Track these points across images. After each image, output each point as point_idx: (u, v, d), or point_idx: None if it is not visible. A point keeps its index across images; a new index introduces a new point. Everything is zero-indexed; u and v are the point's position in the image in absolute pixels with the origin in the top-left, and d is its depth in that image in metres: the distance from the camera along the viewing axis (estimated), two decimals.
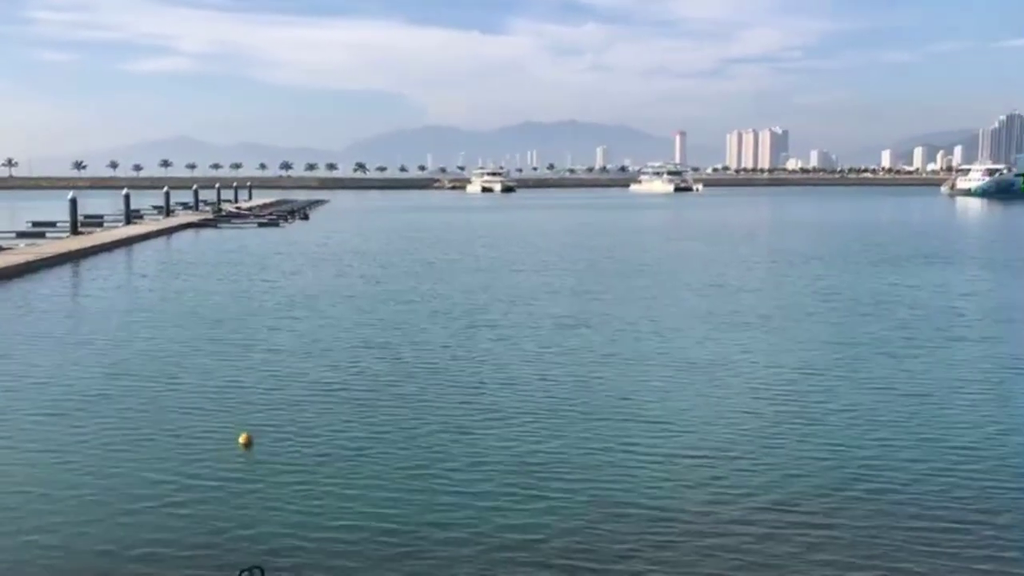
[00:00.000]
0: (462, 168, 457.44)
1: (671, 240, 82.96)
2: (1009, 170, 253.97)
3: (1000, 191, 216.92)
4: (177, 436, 20.18)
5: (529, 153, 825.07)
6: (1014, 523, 15.50)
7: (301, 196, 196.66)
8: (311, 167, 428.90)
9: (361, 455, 18.94)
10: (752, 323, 35.26)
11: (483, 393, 24.05)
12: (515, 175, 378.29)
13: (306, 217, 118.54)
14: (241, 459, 18.78)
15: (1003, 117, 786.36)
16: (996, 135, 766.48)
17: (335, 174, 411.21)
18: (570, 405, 22.84)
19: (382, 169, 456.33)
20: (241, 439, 19.56)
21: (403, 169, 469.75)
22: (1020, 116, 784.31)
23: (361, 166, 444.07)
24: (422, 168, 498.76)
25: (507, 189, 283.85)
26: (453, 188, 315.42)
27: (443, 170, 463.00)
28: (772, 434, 20.44)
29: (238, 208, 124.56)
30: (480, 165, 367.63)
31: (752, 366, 27.53)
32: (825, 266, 57.08)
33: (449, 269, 54.88)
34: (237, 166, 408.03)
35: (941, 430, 20.76)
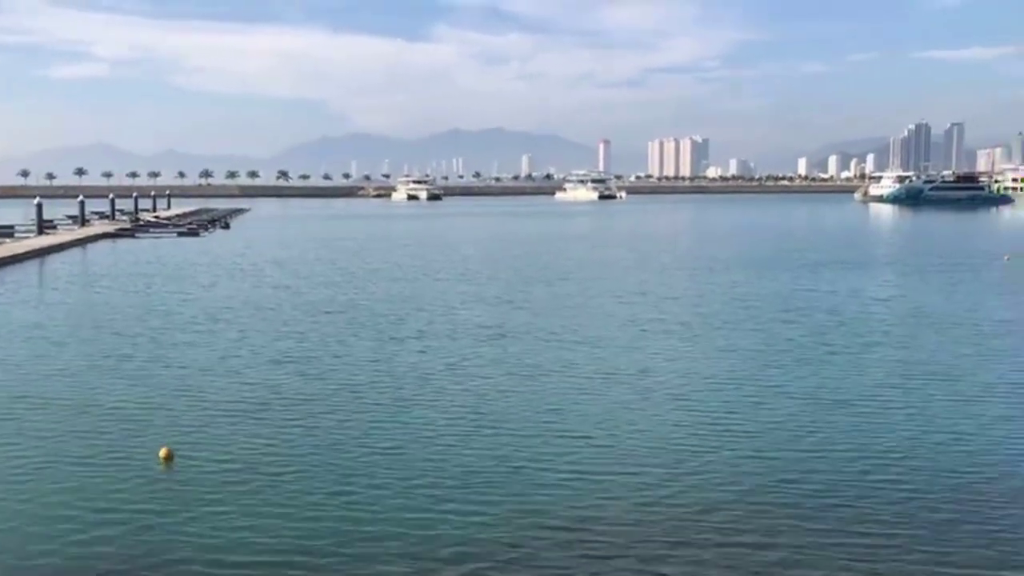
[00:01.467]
0: (387, 176, 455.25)
1: (595, 247, 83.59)
2: (918, 177, 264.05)
3: (910, 197, 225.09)
4: (92, 456, 19.35)
5: (455, 161, 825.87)
6: (929, 526, 15.79)
7: (222, 205, 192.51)
8: (232, 175, 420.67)
9: (282, 471, 18.38)
10: (674, 331, 35.56)
11: (404, 407, 23.61)
12: (441, 183, 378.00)
13: (227, 226, 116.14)
14: (162, 477, 18.22)
15: (912, 126, 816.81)
16: (906, 143, 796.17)
17: (257, 182, 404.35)
18: (492, 418, 22.57)
19: (305, 177, 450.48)
20: (162, 453, 19.05)
21: (327, 177, 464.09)
22: (927, 126, 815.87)
23: (284, 174, 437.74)
24: (346, 176, 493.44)
25: (433, 197, 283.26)
26: (378, 196, 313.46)
27: (368, 178, 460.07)
28: (692, 444, 20.49)
29: (156, 217, 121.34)
30: (406, 173, 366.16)
31: (673, 375, 27.68)
32: (745, 272, 58.13)
33: (371, 279, 54.19)
34: (155, 174, 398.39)
35: (858, 438, 21.08)
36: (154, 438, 20.56)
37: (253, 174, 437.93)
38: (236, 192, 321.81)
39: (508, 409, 23.42)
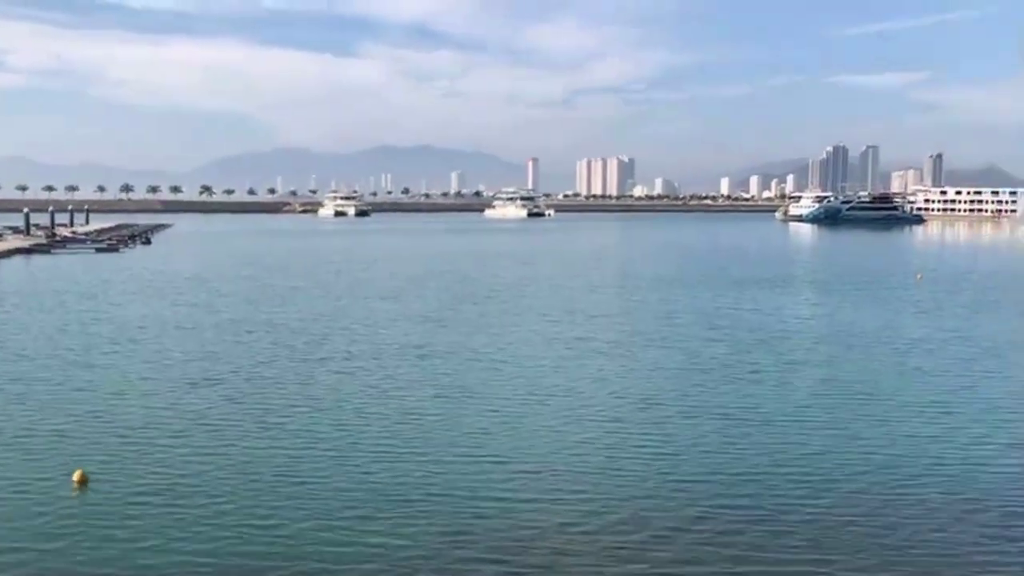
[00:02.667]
0: (314, 192, 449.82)
1: (524, 265, 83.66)
2: (836, 198, 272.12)
3: (828, 217, 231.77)
4: (3, 480, 18.70)
5: (384, 177, 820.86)
6: (845, 536, 15.97)
7: (143, 220, 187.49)
8: (154, 190, 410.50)
9: (196, 494, 17.85)
10: (601, 350, 35.61)
11: (323, 429, 23.00)
12: (369, 199, 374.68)
13: (148, 242, 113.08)
14: (75, 500, 17.84)
15: (830, 148, 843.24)
16: (824, 165, 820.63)
17: (180, 197, 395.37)
18: (414, 441, 22.13)
19: (230, 192, 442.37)
20: (75, 477, 18.65)
21: (252, 192, 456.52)
22: (845, 148, 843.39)
23: (207, 189, 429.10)
24: (272, 191, 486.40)
25: (361, 213, 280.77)
26: (305, 212, 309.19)
27: (294, 193, 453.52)
28: (618, 464, 20.38)
29: (74, 232, 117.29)
30: (333, 189, 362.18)
31: (599, 395, 27.63)
32: (671, 290, 58.80)
33: (293, 297, 53.15)
34: (73, 188, 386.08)
35: (779, 455, 21.31)
36: (67, 462, 19.82)
37: (176, 189, 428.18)
38: (158, 207, 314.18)
39: (431, 432, 23.02)
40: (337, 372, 30.46)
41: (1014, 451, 22.04)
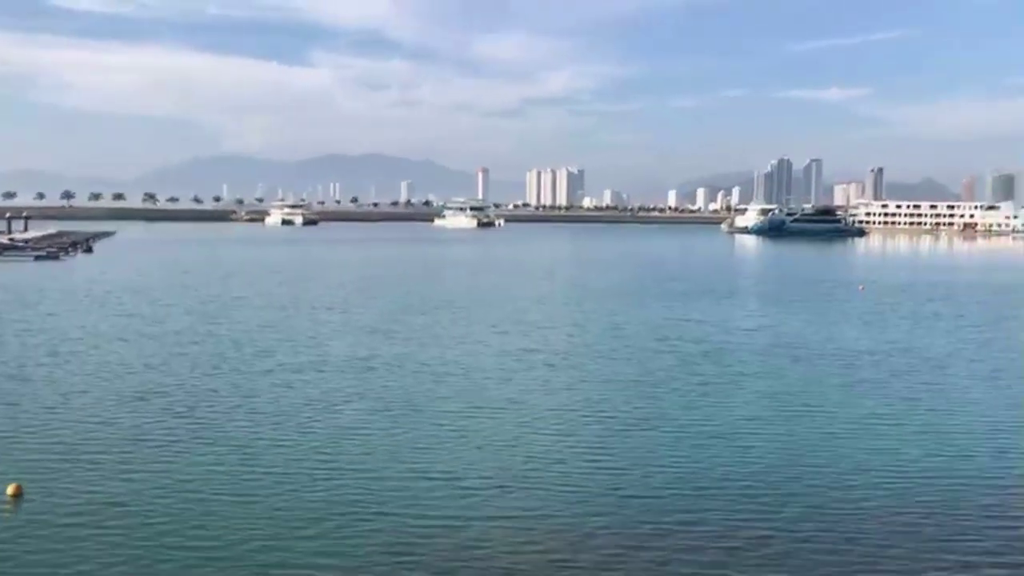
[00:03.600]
0: (261, 200, 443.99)
1: (473, 275, 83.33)
2: (780, 210, 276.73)
3: (773, 229, 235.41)
4: None
5: (332, 186, 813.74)
6: (792, 556, 15.96)
7: (85, 228, 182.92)
8: (96, 197, 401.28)
9: (131, 507, 17.24)
10: (549, 362, 35.42)
11: (263, 443, 22.36)
12: (317, 208, 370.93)
13: (89, 250, 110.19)
14: (10, 513, 17.37)
15: (775, 161, 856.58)
16: (769, 178, 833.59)
17: (123, 204, 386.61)
18: (358, 456, 21.62)
19: (174, 200, 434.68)
20: (9, 491, 18.19)
21: (197, 200, 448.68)
22: (789, 161, 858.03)
23: (151, 196, 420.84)
24: (218, 199, 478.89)
25: (309, 222, 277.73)
26: (251, 220, 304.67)
27: (240, 202, 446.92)
28: (564, 480, 20.19)
29: (11, 240, 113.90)
30: (280, 197, 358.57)
31: (547, 408, 27.40)
32: (620, 301, 58.94)
33: (237, 307, 52.10)
34: (11, 195, 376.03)
35: (725, 467, 21.30)
36: (1, 475, 19.05)
37: (118, 196, 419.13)
38: (100, 215, 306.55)
39: (374, 447, 22.56)
40: (279, 385, 29.79)
41: (956, 463, 22.29)
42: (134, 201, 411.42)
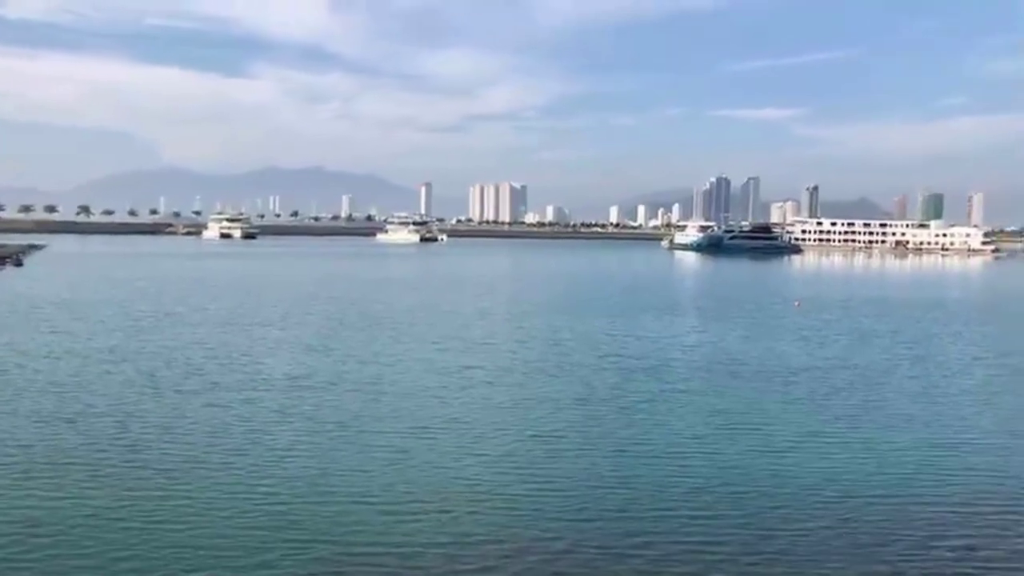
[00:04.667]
0: (199, 213, 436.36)
1: (415, 290, 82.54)
2: (719, 227, 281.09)
3: (711, 246, 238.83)
4: None
5: (272, 199, 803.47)
6: (723, 568, 15.85)
7: (15, 240, 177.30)
8: (27, 209, 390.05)
9: (48, 535, 16.20)
10: (489, 379, 34.98)
11: (187, 467, 21.51)
12: (257, 221, 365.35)
13: (19, 263, 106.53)
14: None
15: (714, 179, 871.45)
16: (708, 195, 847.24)
17: (55, 217, 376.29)
18: (287, 481, 20.95)
19: (109, 213, 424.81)
20: None
21: (133, 213, 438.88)
22: (727, 179, 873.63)
23: (85, 209, 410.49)
24: (154, 212, 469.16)
25: (248, 236, 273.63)
26: (189, 234, 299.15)
27: (177, 215, 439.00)
28: (506, 502, 19.78)
29: None
30: (219, 210, 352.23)
31: (487, 427, 26.95)
32: (562, 317, 58.78)
33: (170, 323, 50.63)
34: None
35: (667, 488, 21.11)
36: None
37: (51, 208, 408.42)
38: (31, 227, 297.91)
39: (305, 469, 21.84)
40: (211, 405, 28.83)
41: (894, 479, 22.42)
42: (68, 214, 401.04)
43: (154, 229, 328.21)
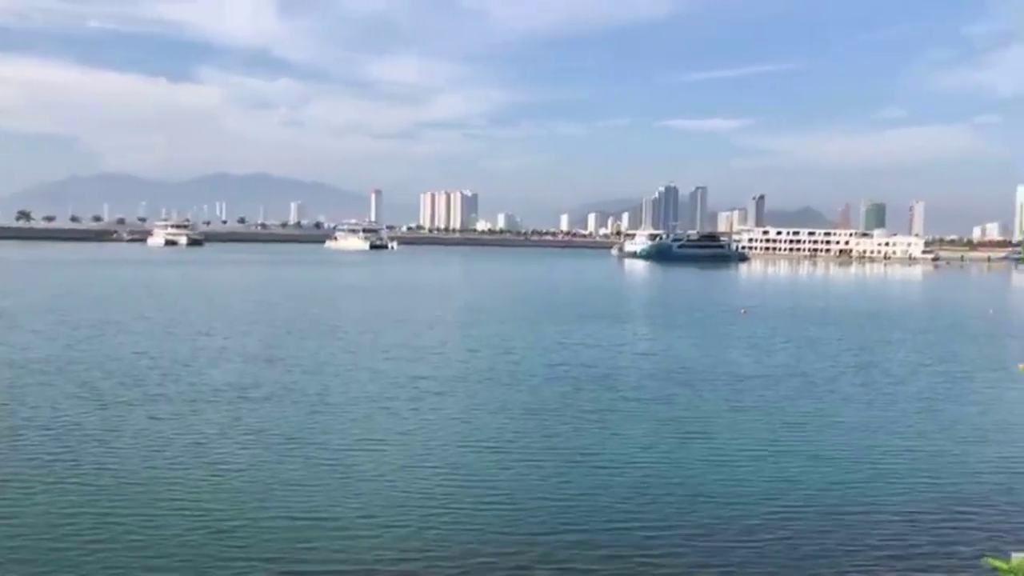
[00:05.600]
0: (144, 219, 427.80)
1: (366, 298, 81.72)
2: (667, 236, 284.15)
3: (660, 254, 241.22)
4: None
5: (219, 205, 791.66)
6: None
7: None
8: None
9: None
10: (439, 390, 34.54)
11: (123, 483, 20.76)
12: (203, 228, 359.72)
13: None
14: None
15: (662, 188, 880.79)
16: (656, 204, 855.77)
17: None
18: (229, 497, 20.30)
19: (50, 219, 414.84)
20: None
21: (75, 219, 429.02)
22: (675, 188, 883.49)
23: (25, 215, 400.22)
24: (98, 219, 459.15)
25: (194, 243, 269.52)
26: (133, 241, 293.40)
27: (122, 221, 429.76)
28: (456, 517, 19.42)
29: None
30: (164, 217, 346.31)
31: (437, 439, 26.53)
32: (513, 325, 58.54)
33: (111, 332, 49.23)
34: None
35: (613, 497, 20.95)
36: None
37: None
38: None
39: (253, 483, 21.23)
40: (151, 417, 27.97)
41: (840, 487, 22.56)
42: (7, 220, 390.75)
43: (98, 236, 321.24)
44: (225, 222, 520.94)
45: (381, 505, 19.93)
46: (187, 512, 19.03)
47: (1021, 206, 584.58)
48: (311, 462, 23.35)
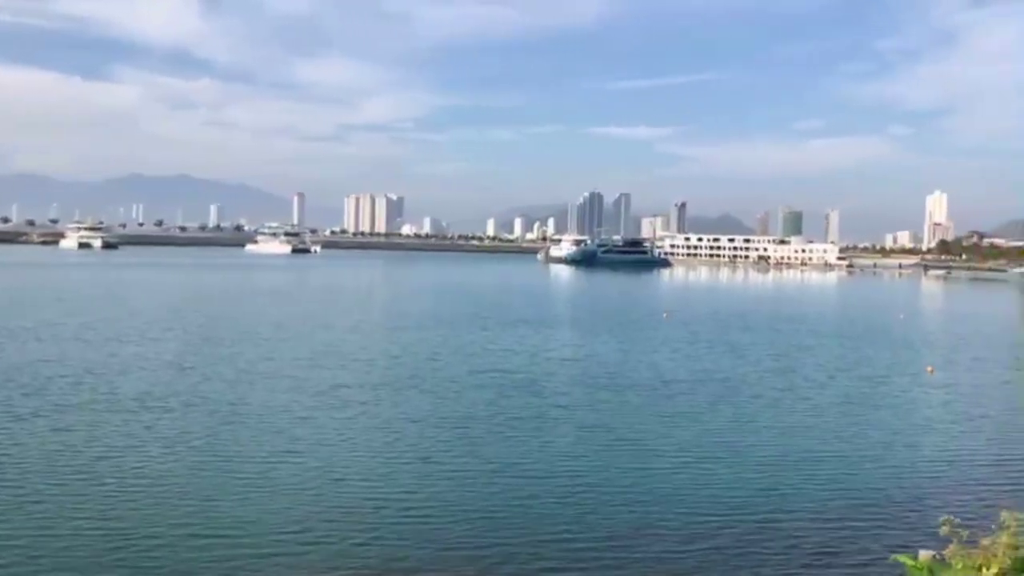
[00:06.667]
0: (56, 221, 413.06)
1: (287, 304, 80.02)
2: (592, 241, 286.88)
3: (585, 259, 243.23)
4: None
5: (136, 207, 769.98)
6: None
7: None
8: None
9: None
10: (360, 398, 33.78)
11: (22, 494, 19.62)
12: (119, 231, 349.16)
13: None
14: None
15: (587, 194, 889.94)
16: (582, 210, 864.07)
17: None
18: (131, 510, 19.30)
19: None
20: None
21: None
22: (600, 195, 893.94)
23: None
24: (6, 220, 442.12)
25: (108, 246, 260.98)
26: (45, 243, 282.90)
27: (32, 223, 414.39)
28: (376, 533, 18.88)
29: None
30: (77, 219, 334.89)
31: (357, 449, 25.91)
32: (437, 331, 57.92)
33: (14, 339, 46.92)
34: None
35: (537, 505, 20.70)
36: None
37: None
38: None
39: (165, 497, 20.29)
40: (53, 429, 26.57)
41: (758, 490, 22.73)
42: None
43: (7, 238, 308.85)
44: (142, 224, 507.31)
45: (299, 519, 19.24)
46: (91, 529, 18.05)
47: (930, 215, 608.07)
48: (226, 475, 22.48)
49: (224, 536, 18.03)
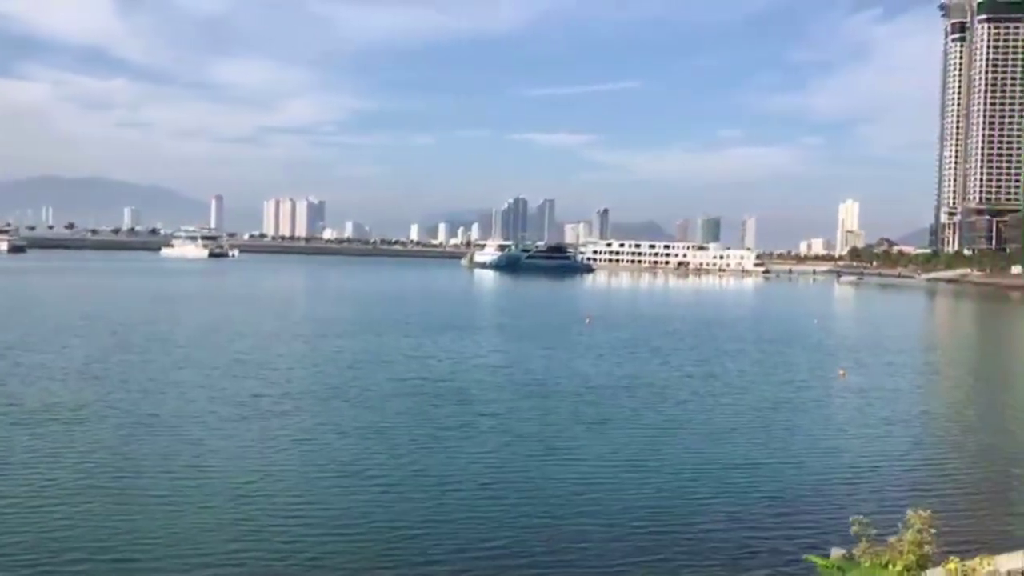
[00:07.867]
0: None
1: (203, 310, 77.91)
2: (516, 247, 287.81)
3: (509, 265, 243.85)
4: None
5: (45, 210, 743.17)
6: None
7: None
8: None
9: None
10: (278, 408, 32.92)
11: None
12: (27, 234, 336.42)
13: None
14: None
15: (511, 200, 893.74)
16: (506, 215, 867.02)
17: None
18: (48, 528, 18.35)
19: None
20: None
21: None
22: (524, 200, 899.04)
23: None
24: None
25: (15, 249, 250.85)
26: None
27: None
28: (293, 549, 18.38)
29: None
30: None
31: (273, 463, 25.20)
32: (359, 338, 57.10)
33: None
34: None
35: (461, 515, 20.45)
36: None
37: None
38: None
39: (74, 513, 19.29)
40: None
41: (677, 497, 22.98)
42: None
43: None
44: (52, 227, 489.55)
45: (212, 534, 18.55)
46: None
47: (843, 222, 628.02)
48: (135, 489, 21.58)
49: (130, 559, 17.31)
